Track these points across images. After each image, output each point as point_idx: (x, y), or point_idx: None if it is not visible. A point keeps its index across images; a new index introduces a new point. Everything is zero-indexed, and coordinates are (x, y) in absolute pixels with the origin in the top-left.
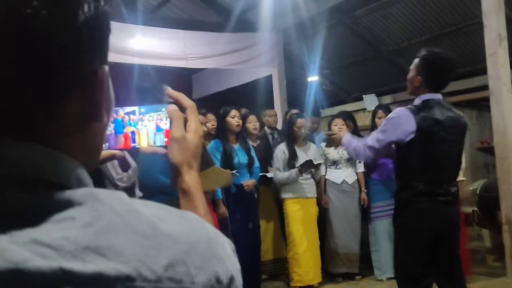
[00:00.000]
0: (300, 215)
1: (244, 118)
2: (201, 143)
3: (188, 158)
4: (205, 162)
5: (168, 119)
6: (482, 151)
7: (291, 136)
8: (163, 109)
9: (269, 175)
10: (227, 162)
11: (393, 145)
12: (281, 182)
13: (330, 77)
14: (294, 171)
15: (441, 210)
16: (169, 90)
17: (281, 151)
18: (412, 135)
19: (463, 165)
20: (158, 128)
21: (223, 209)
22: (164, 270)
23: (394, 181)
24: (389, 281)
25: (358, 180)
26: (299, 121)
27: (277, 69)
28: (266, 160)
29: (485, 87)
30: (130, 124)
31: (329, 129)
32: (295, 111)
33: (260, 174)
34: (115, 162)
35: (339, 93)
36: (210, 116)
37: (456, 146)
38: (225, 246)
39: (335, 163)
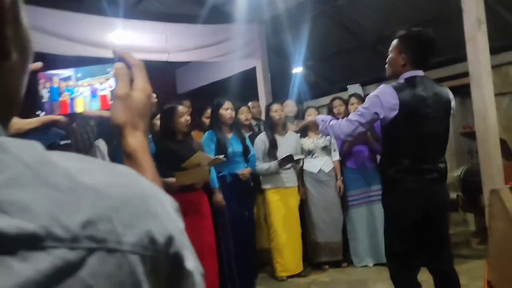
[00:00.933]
0: (280, 205)
1: (236, 109)
2: (149, 102)
3: (132, 118)
4: (190, 149)
5: (104, 84)
6: (465, 136)
7: (269, 124)
8: (108, 69)
9: None
10: (221, 152)
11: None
12: (260, 173)
13: (314, 68)
14: (273, 164)
15: (429, 189)
16: (114, 48)
17: (261, 141)
18: (396, 111)
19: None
20: (93, 95)
21: (219, 198)
22: (81, 227)
23: (369, 169)
24: (375, 266)
25: (334, 168)
26: (274, 106)
27: (260, 61)
28: None
29: (467, 74)
30: (68, 90)
31: (303, 118)
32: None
33: None
34: (104, 150)
35: (323, 84)
36: (209, 111)
37: (441, 122)
38: (165, 204)
39: (310, 152)
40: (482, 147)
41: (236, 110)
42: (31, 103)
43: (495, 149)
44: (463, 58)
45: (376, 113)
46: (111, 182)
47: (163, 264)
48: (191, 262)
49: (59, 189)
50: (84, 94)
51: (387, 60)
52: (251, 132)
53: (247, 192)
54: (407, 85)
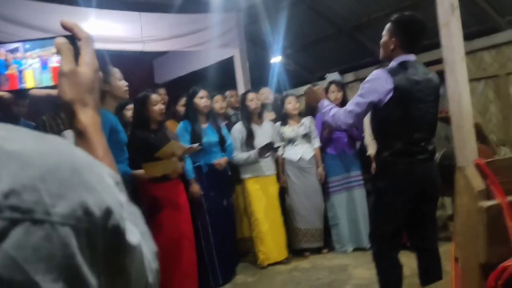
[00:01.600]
0: (260, 193)
1: (210, 98)
2: (97, 77)
3: (81, 94)
4: (164, 138)
5: (56, 56)
6: (442, 121)
7: (246, 114)
8: (51, 44)
9: None
10: (197, 142)
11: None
12: (239, 162)
13: (293, 57)
14: (253, 153)
15: (420, 167)
16: (61, 20)
17: (237, 131)
18: (390, 95)
19: None
20: (44, 66)
21: (196, 188)
22: (2, 197)
23: (349, 155)
24: (354, 252)
25: (315, 155)
26: (249, 94)
27: (238, 50)
28: None
29: (442, 60)
30: (15, 63)
31: (283, 106)
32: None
33: None
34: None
35: (302, 73)
36: (184, 100)
37: (432, 106)
38: (102, 176)
39: (291, 140)
40: (457, 131)
41: (211, 99)
42: None
43: (470, 133)
44: (438, 45)
45: (371, 102)
46: (38, 151)
47: (100, 237)
48: (134, 237)
49: None
50: (34, 66)
51: (380, 43)
52: (226, 121)
53: (224, 182)
54: (401, 69)
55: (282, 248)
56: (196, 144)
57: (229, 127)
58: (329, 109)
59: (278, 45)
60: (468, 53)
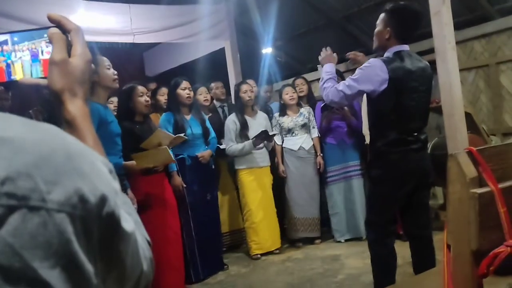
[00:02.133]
0: (254, 184)
1: (194, 90)
2: (88, 68)
3: (71, 84)
4: (149, 131)
5: (45, 48)
6: (433, 111)
7: (239, 105)
8: (44, 35)
9: (222, 147)
10: (181, 133)
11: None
12: (234, 154)
13: (284, 48)
14: (248, 143)
15: (413, 157)
16: (48, 13)
17: (231, 122)
18: (385, 85)
19: None
20: (34, 59)
21: (178, 181)
22: None
23: (348, 145)
24: (347, 242)
25: (314, 145)
26: (243, 86)
27: (229, 41)
28: (219, 132)
29: (434, 50)
30: (2, 55)
31: (280, 98)
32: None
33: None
34: None
35: (293, 64)
36: (164, 90)
37: (425, 96)
38: (96, 163)
39: (290, 131)
40: (448, 120)
41: (195, 91)
42: None
43: (461, 122)
44: (429, 34)
45: (363, 90)
46: (31, 138)
47: (95, 224)
48: (129, 224)
49: None
50: (24, 58)
51: (374, 33)
52: (210, 114)
53: (208, 175)
54: (396, 59)
55: (276, 238)
56: (183, 134)
57: (216, 119)
58: (327, 78)
59: (268, 36)
60: (459, 42)
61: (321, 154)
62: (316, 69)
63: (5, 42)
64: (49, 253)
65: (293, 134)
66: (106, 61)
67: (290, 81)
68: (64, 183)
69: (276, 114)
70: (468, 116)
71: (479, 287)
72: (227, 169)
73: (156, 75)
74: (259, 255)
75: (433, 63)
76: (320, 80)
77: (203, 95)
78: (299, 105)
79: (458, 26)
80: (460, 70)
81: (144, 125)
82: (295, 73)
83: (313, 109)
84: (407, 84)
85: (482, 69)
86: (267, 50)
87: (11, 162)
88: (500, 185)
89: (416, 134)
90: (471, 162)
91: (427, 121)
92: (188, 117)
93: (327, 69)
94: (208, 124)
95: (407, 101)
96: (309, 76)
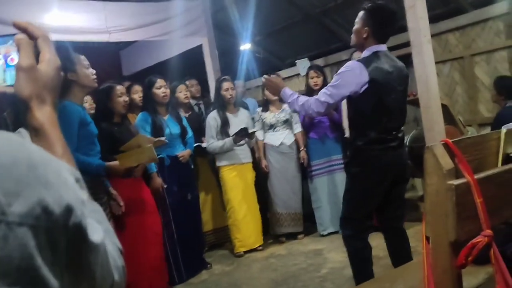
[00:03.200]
0: (237, 181)
1: (173, 88)
2: (57, 75)
3: (38, 90)
4: (127, 132)
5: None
6: (409, 103)
7: (220, 102)
8: (11, 42)
9: (203, 145)
10: (158, 134)
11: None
12: (215, 151)
13: (262, 44)
14: (228, 140)
15: (391, 154)
16: (14, 20)
17: (212, 119)
18: (366, 86)
19: None
20: (8, 64)
21: (158, 182)
22: None
23: (331, 139)
24: (330, 236)
25: (296, 140)
26: (225, 84)
27: (207, 38)
28: (199, 130)
29: (409, 44)
30: None
31: (263, 93)
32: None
33: (195, 145)
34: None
35: (272, 60)
36: (137, 88)
37: (403, 95)
38: (60, 172)
39: (272, 126)
40: (425, 112)
41: (173, 88)
42: None
43: (438, 113)
44: (405, 28)
45: (345, 95)
46: None
47: (61, 236)
48: (97, 234)
49: None
50: None
51: (353, 30)
52: (190, 112)
53: (187, 175)
54: (374, 59)
55: (258, 235)
56: (164, 137)
57: (193, 117)
58: (296, 98)
59: (246, 32)
60: (434, 35)
61: (305, 149)
62: (295, 65)
63: None
64: (9, 269)
65: (275, 130)
66: (84, 60)
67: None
68: (26, 194)
69: (259, 109)
70: (444, 108)
71: (458, 277)
72: (209, 167)
73: (133, 74)
74: (242, 253)
75: (409, 56)
76: (290, 105)
77: (183, 92)
78: (281, 101)
79: (432, 19)
80: (436, 62)
81: (122, 126)
82: (273, 69)
83: None
84: (386, 84)
85: (457, 61)
86: (245, 47)
87: None
88: (476, 176)
89: (394, 133)
90: (447, 154)
91: (405, 119)
92: (165, 117)
93: (287, 93)
94: (185, 123)
95: (387, 101)
96: (288, 72)
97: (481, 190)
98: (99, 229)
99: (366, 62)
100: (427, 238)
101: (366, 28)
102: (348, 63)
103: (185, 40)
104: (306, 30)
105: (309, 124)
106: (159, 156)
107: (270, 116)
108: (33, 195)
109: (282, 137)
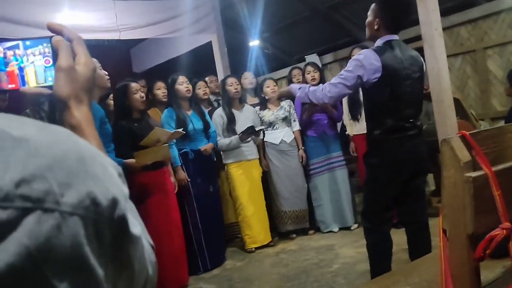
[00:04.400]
0: (244, 178)
1: (193, 84)
2: (93, 77)
3: (77, 91)
4: (147, 127)
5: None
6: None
7: (226, 99)
8: (45, 43)
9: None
10: (182, 128)
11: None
12: (222, 148)
13: (271, 40)
14: (235, 138)
15: (410, 143)
16: (48, 22)
17: (219, 116)
18: (378, 74)
19: None
20: (48, 64)
21: (182, 175)
22: (14, 186)
23: (330, 137)
24: (339, 232)
25: (295, 138)
26: (229, 79)
27: (216, 35)
28: None
29: (421, 37)
30: (15, 59)
31: (262, 90)
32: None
33: None
34: None
35: (281, 56)
36: (160, 84)
37: (419, 83)
38: (106, 167)
39: (271, 124)
40: (437, 106)
41: (193, 85)
42: None
43: (450, 107)
44: (415, 22)
45: (359, 76)
46: (46, 140)
47: (107, 228)
48: (137, 228)
49: None
50: (36, 63)
51: (365, 23)
52: (210, 108)
53: (210, 168)
54: (386, 48)
55: (267, 231)
56: (181, 129)
57: (213, 113)
58: (305, 87)
59: (255, 28)
60: (445, 28)
61: (303, 148)
62: (304, 60)
63: (16, 47)
64: (61, 256)
65: (274, 128)
66: (97, 62)
67: (278, 73)
68: (77, 186)
69: (257, 108)
70: (456, 101)
71: (476, 271)
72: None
73: (144, 71)
74: (253, 249)
75: (420, 50)
76: (302, 98)
77: (201, 89)
78: (279, 98)
79: (444, 12)
80: (447, 56)
81: (142, 122)
82: (282, 65)
83: (293, 102)
84: (400, 71)
85: (469, 54)
86: (254, 43)
87: (26, 164)
88: (494, 168)
89: (412, 120)
90: (464, 146)
91: (422, 107)
92: (189, 112)
93: (295, 88)
94: (208, 117)
95: (402, 88)
96: None
97: (499, 182)
98: (137, 223)
99: (378, 50)
100: (444, 231)
101: (377, 19)
102: (362, 51)
103: (194, 37)
104: (314, 25)
105: (307, 122)
106: (183, 151)
107: (268, 114)
108: (82, 187)
109: (281, 135)
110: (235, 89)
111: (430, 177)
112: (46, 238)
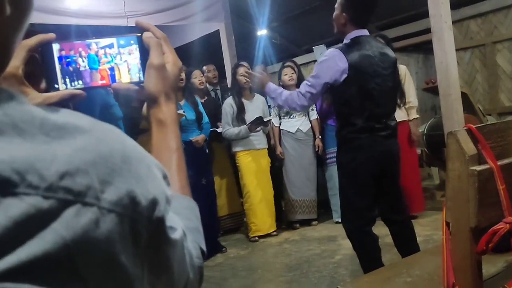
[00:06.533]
0: (252, 166)
1: (188, 74)
2: (179, 76)
3: (167, 88)
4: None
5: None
6: (428, 91)
7: (236, 88)
8: (131, 41)
9: (219, 130)
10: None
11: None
12: (231, 137)
13: (279, 30)
14: (243, 128)
15: (381, 144)
16: (137, 20)
17: (228, 105)
18: (346, 74)
19: (415, 103)
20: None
21: None
22: (58, 178)
23: None
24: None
25: (312, 127)
26: (240, 69)
27: (224, 23)
28: (215, 115)
29: (430, 30)
30: (106, 58)
31: (280, 78)
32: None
33: (210, 129)
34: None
35: (289, 46)
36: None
37: (390, 80)
38: (151, 167)
39: (288, 113)
40: (444, 101)
41: (189, 74)
42: (48, 77)
43: (457, 102)
44: (425, 14)
45: (326, 82)
46: (94, 137)
47: (144, 228)
48: (177, 231)
49: (35, 138)
50: (130, 62)
51: (332, 17)
52: (206, 98)
53: (202, 160)
54: (354, 45)
55: (272, 220)
56: (182, 110)
57: (209, 103)
58: (279, 93)
59: (263, 18)
60: (455, 22)
61: (320, 137)
62: (312, 51)
63: (110, 46)
64: (94, 250)
65: (291, 117)
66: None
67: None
68: (117, 184)
69: (264, 98)
70: (464, 96)
71: (478, 264)
72: (225, 152)
73: None
74: (256, 238)
75: (429, 43)
76: (274, 100)
77: (197, 78)
78: (297, 86)
79: (454, 6)
80: (456, 50)
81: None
82: (290, 55)
83: None
84: (368, 69)
85: (478, 48)
86: (262, 32)
87: (72, 158)
88: (499, 162)
89: (384, 120)
90: (470, 139)
91: (395, 106)
92: (181, 102)
93: (270, 89)
94: (201, 108)
95: (371, 86)
96: (305, 58)
97: (504, 176)
98: (179, 226)
99: (345, 49)
100: (447, 224)
101: (344, 14)
102: (327, 51)
103: (202, 25)
104: (324, 15)
105: (327, 112)
106: None
107: None
108: (123, 185)
109: (298, 124)
110: (246, 79)
111: (434, 171)
112: (83, 231)
